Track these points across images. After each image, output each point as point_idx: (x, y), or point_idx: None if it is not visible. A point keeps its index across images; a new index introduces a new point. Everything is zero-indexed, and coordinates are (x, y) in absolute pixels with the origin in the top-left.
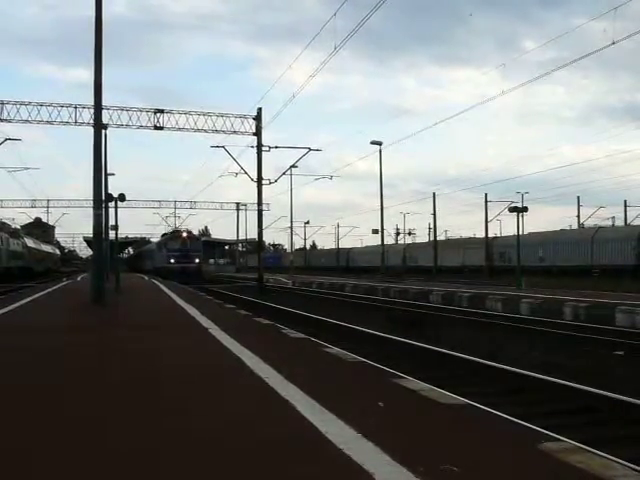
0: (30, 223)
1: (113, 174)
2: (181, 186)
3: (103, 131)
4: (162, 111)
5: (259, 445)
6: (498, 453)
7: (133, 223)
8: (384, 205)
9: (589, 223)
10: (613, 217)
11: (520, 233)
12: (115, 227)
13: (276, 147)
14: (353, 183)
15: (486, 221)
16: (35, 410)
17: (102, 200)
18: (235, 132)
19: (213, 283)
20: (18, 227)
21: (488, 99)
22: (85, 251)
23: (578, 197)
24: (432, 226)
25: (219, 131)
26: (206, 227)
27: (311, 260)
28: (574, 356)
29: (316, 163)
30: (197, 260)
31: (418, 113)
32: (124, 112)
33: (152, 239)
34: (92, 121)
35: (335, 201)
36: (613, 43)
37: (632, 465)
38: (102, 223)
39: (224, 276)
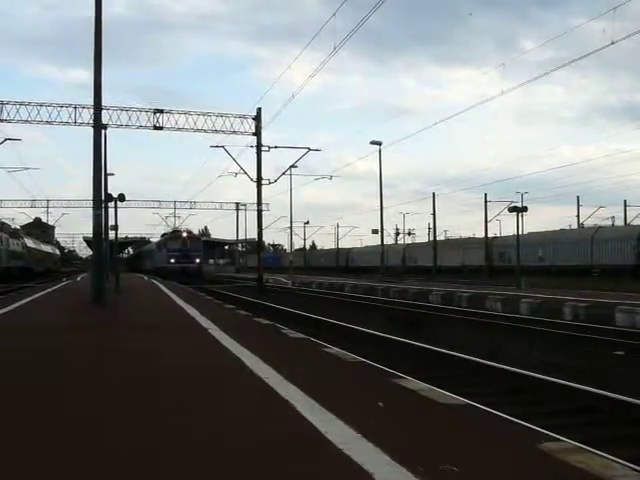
0: (30, 223)
1: (113, 174)
2: (181, 186)
3: (103, 131)
4: (162, 111)
5: (259, 445)
6: (498, 453)
7: (133, 223)
8: (384, 205)
9: (589, 223)
10: (613, 217)
11: (520, 233)
12: (115, 227)
13: (276, 147)
14: (353, 183)
15: (486, 221)
16: (35, 410)
17: (102, 200)
18: (235, 132)
19: (213, 283)
20: (18, 227)
21: (487, 99)
22: (85, 251)
23: (578, 197)
24: (432, 226)
25: (219, 131)
26: (206, 227)
27: (311, 260)
28: (574, 356)
29: (316, 163)
30: (197, 260)
31: (418, 113)
32: (124, 112)
33: (152, 239)
34: (92, 121)
35: (335, 201)
36: (612, 43)
37: (632, 465)
38: (102, 223)
39: (224, 276)
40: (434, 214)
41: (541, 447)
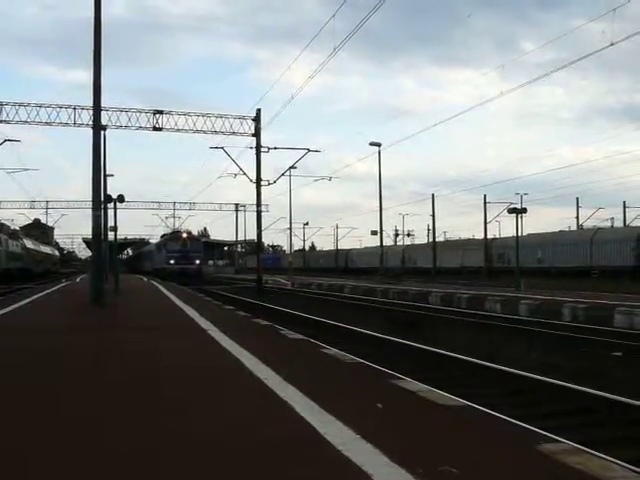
0: (29, 224)
1: (112, 175)
2: (180, 187)
3: (102, 132)
4: (161, 112)
5: (258, 446)
6: (497, 454)
7: (132, 224)
8: (383, 206)
9: (588, 224)
10: (612, 218)
11: (519, 234)
12: (114, 228)
13: (275, 148)
14: (352, 184)
15: (485, 222)
16: (34, 411)
17: (101, 201)
18: (234, 133)
19: (212, 284)
20: (17, 228)
21: (487, 100)
22: (84, 252)
23: (577, 198)
24: (431, 227)
25: (218, 132)
26: (205, 228)
27: (310, 261)
28: (572, 357)
29: (315, 164)
30: (197, 261)
31: (417, 114)
32: (123, 113)
33: (151, 240)
34: (91, 122)
35: (334, 202)
36: (612, 44)
37: (631, 466)
38: (101, 224)
39: (223, 277)
40: (433, 215)
41: (540, 448)
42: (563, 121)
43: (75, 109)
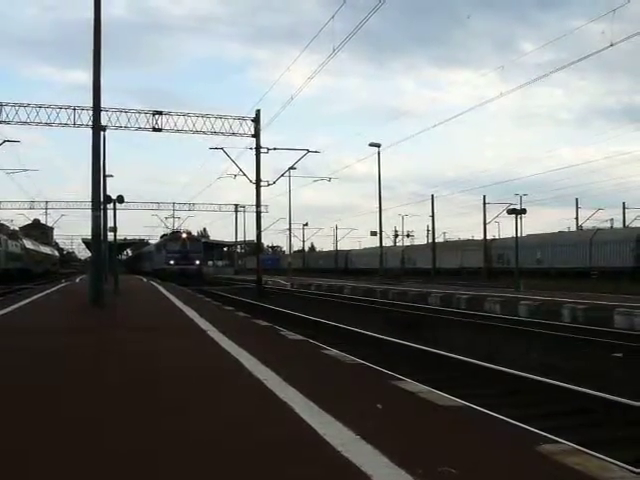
0: (29, 224)
1: (112, 176)
2: (180, 188)
3: (102, 133)
4: (161, 113)
5: (257, 447)
6: (496, 455)
7: (131, 225)
8: (382, 207)
9: (587, 225)
10: (612, 219)
11: (518, 235)
12: (114, 229)
13: (275, 149)
14: (352, 185)
15: (484, 223)
16: (33, 411)
17: (100, 202)
18: (234, 134)
19: (212, 285)
20: (17, 228)
21: (486, 101)
22: (84, 253)
23: (577, 199)
24: (430, 228)
25: (218, 133)
26: (205, 229)
27: (310, 262)
28: (572, 358)
29: (315, 165)
30: (197, 262)
31: (417, 115)
32: (123, 114)
33: (150, 241)
34: (91, 123)
35: (334, 203)
36: (611, 45)
37: (630, 467)
38: (101, 225)
39: (223, 278)
40: (433, 216)
41: (539, 449)
42: (562, 122)
43: (75, 110)
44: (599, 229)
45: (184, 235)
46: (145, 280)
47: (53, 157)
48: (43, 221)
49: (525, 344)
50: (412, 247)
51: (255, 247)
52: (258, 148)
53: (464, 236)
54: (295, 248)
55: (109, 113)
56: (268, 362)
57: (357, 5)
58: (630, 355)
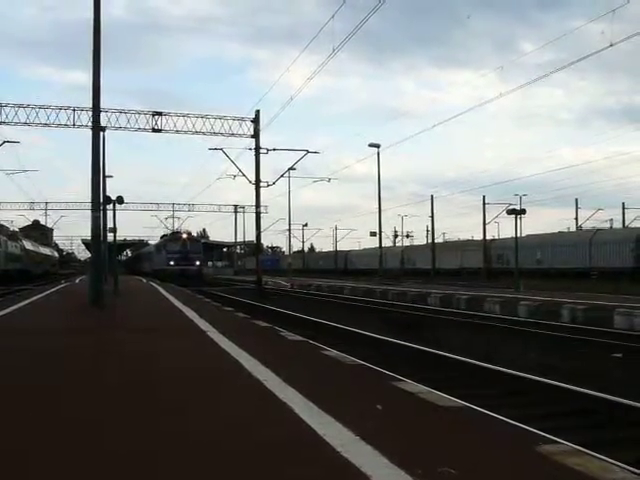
0: (28, 225)
1: (111, 176)
2: (179, 188)
3: (101, 133)
4: (160, 114)
5: (257, 447)
6: (496, 455)
7: (131, 226)
8: (382, 207)
9: (587, 225)
10: (611, 219)
11: (518, 235)
12: (113, 229)
13: (274, 149)
14: (351, 185)
15: (484, 223)
16: (33, 411)
17: (100, 203)
18: (233, 134)
19: (211, 286)
20: (16, 229)
21: (486, 101)
22: (83, 253)
23: (576, 199)
24: (430, 228)
25: (217, 133)
26: (204, 229)
27: (309, 262)
28: (572, 358)
29: (314, 165)
30: (197, 262)
31: (416, 115)
32: (122, 114)
33: (150, 241)
34: (90, 123)
35: (333, 203)
36: (611, 45)
37: (631, 468)
38: (100, 225)
39: (222, 279)
40: (432, 216)
41: (539, 449)
42: (562, 122)
43: (74, 110)
44: (599, 229)
45: (184, 235)
46: (144, 281)
47: (53, 158)
48: (43, 222)
49: (525, 344)
50: (412, 247)
51: (255, 248)
52: (258, 149)
53: (464, 236)
54: (295, 249)
55: (109, 114)
56: (268, 363)
57: (357, 5)
58: (630, 355)
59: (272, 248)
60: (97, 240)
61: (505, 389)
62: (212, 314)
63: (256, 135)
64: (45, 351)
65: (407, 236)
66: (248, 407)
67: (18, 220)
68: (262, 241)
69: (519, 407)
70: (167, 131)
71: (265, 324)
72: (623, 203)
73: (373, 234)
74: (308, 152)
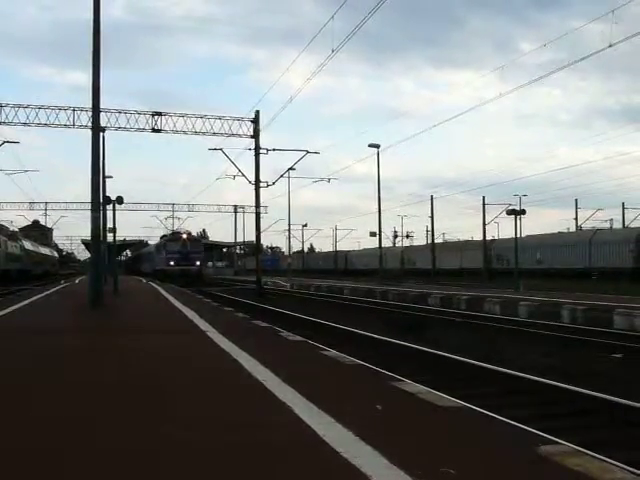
0: (28, 225)
1: (111, 177)
2: (179, 189)
3: (101, 134)
4: (160, 114)
5: (257, 447)
6: (495, 456)
7: (131, 226)
8: (382, 208)
9: (587, 225)
10: (611, 219)
11: (518, 236)
12: (113, 230)
13: (274, 150)
14: (351, 186)
15: (484, 224)
16: (33, 411)
17: (100, 203)
18: (233, 135)
19: (211, 286)
20: (16, 229)
21: (485, 102)
22: (83, 254)
23: (576, 199)
24: (430, 229)
25: (217, 134)
26: (204, 230)
27: (309, 263)
28: (571, 359)
29: (314, 166)
30: (198, 262)
31: (416, 116)
32: (122, 115)
33: (150, 242)
34: (90, 124)
35: (333, 204)
36: (610, 45)
37: (630, 468)
38: (100, 226)
39: (222, 279)
40: (432, 217)
41: (539, 450)
42: (562, 122)
43: (74, 111)
44: (598, 229)
45: (184, 235)
46: (144, 281)
47: (53, 158)
48: (43, 222)
49: (525, 345)
50: (412, 248)
51: (254, 248)
52: (257, 149)
53: (464, 237)
54: (294, 249)
55: (108, 114)
56: (267, 363)
57: (356, 6)
58: (630, 356)
59: (272, 248)
60: (97, 240)
61: (505, 389)
62: (212, 314)
63: (256, 135)
64: (45, 351)
65: (407, 236)
66: (248, 407)
67: (18, 220)
68: (262, 241)
69: (519, 407)
70: (167, 131)
71: (265, 324)
72: (623, 203)
73: (373, 234)
74: (308, 152)
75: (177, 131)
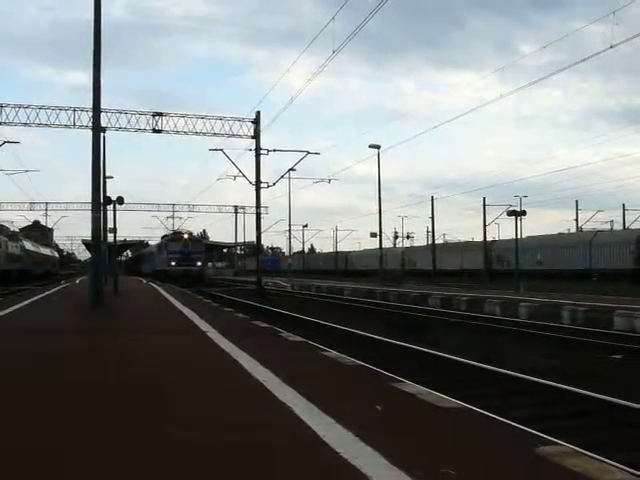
0: (29, 226)
1: (112, 177)
2: (180, 189)
3: (102, 134)
4: (161, 114)
5: (257, 448)
6: (495, 456)
7: (131, 226)
8: (382, 208)
9: (587, 227)
10: (611, 221)
11: (518, 237)
12: (113, 230)
13: (274, 150)
14: (351, 186)
15: (484, 224)
16: (34, 410)
17: (100, 203)
18: (233, 135)
19: (211, 286)
20: (17, 230)
21: (486, 103)
22: (84, 254)
23: (576, 201)
24: (430, 229)
25: (217, 134)
26: (204, 230)
27: (309, 263)
28: (571, 360)
29: (315, 166)
30: (199, 263)
31: (417, 116)
32: (123, 115)
33: (150, 242)
34: (91, 124)
35: (333, 204)
36: (611, 47)
37: (630, 469)
38: (100, 226)
39: (222, 279)
40: (433, 217)
41: (538, 451)
42: (562, 124)
43: (75, 111)
44: (599, 231)
45: (186, 235)
46: (145, 281)
47: (53, 158)
48: (43, 222)
49: (525, 346)
50: (412, 248)
51: (255, 248)
52: (258, 149)
53: (464, 238)
54: (295, 249)
55: (109, 114)
56: (267, 363)
57: (357, 6)
58: (629, 357)
59: (272, 249)
60: (97, 240)
61: (505, 390)
62: (212, 315)
63: (256, 136)
64: (45, 351)
65: (407, 237)
66: (248, 407)
67: (18, 220)
68: (262, 242)
69: (518, 408)
70: (167, 132)
71: (265, 325)
72: (623, 204)
73: (373, 235)
74: (308, 153)
75: (177, 131)
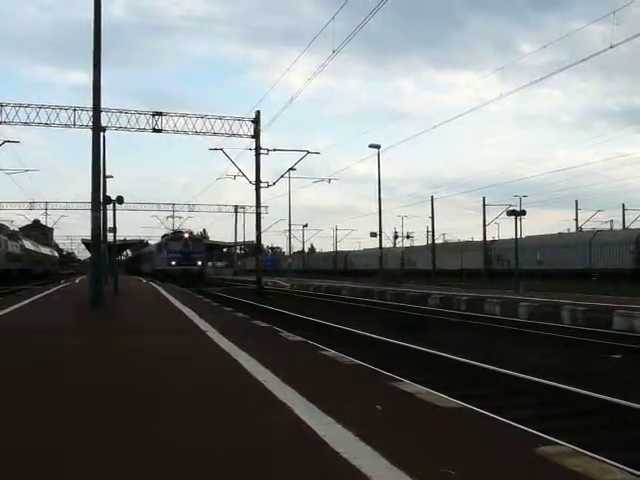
0: (28, 225)
1: (111, 176)
2: (180, 188)
3: (102, 133)
4: (161, 114)
5: (257, 448)
6: (495, 456)
7: (131, 226)
8: (382, 208)
9: (587, 227)
10: (611, 220)
11: (518, 236)
12: (113, 229)
13: (274, 150)
14: (351, 186)
15: (484, 224)
16: (35, 410)
17: (100, 202)
18: (233, 135)
19: (211, 286)
20: (17, 229)
21: (486, 103)
22: (83, 253)
23: (576, 201)
24: (430, 229)
25: (217, 134)
26: (204, 229)
27: (309, 263)
28: (571, 360)
29: (314, 166)
30: (199, 262)
31: (417, 116)
32: (123, 115)
33: (150, 242)
34: (91, 123)
35: (333, 204)
36: (611, 47)
37: (630, 469)
38: (100, 225)
39: (222, 279)
40: (432, 217)
41: (538, 451)
42: (562, 123)
43: (75, 110)
44: (599, 230)
45: (186, 235)
46: (144, 281)
47: (53, 158)
48: (43, 222)
49: (524, 345)
50: (412, 248)
51: (255, 248)
52: (258, 149)
53: (464, 237)
54: (295, 249)
55: (109, 114)
56: (267, 363)
57: (357, 6)
58: (629, 356)
59: (272, 248)
60: (97, 240)
61: (504, 390)
62: (212, 314)
63: (256, 135)
64: (45, 351)
65: (407, 237)
66: (248, 407)
67: (18, 220)
68: (262, 241)
69: (518, 408)
70: (167, 131)
71: (264, 324)
72: (623, 204)
73: (373, 235)
74: (308, 152)
75: (178, 131)
